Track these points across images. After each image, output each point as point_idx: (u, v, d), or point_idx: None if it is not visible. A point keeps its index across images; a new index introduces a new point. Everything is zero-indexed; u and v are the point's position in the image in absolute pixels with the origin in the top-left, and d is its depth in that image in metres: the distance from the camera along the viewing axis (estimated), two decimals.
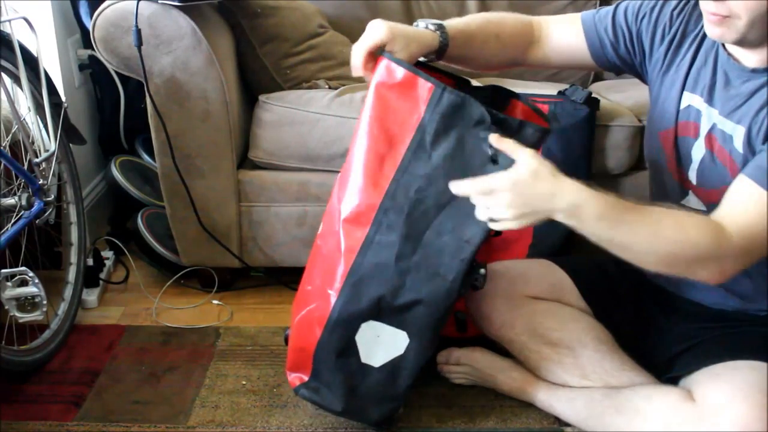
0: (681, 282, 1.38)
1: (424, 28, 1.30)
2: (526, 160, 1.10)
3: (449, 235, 1.24)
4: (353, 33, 2.09)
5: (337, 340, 1.30)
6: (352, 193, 1.27)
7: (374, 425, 1.40)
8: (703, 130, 1.28)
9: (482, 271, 1.30)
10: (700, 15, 1.25)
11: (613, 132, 1.74)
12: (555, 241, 1.67)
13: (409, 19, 2.17)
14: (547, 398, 1.41)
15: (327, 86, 1.87)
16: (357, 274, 1.27)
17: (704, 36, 1.28)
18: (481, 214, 1.15)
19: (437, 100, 1.19)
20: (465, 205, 1.17)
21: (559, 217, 1.12)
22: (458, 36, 1.32)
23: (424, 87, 1.20)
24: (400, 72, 1.21)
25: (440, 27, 1.31)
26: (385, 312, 1.28)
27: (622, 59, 1.39)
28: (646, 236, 1.13)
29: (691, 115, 1.30)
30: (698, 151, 1.29)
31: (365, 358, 1.32)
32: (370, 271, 1.26)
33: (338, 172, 1.75)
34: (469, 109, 1.18)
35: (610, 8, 1.39)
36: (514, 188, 1.10)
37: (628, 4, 1.38)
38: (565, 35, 1.42)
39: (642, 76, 1.41)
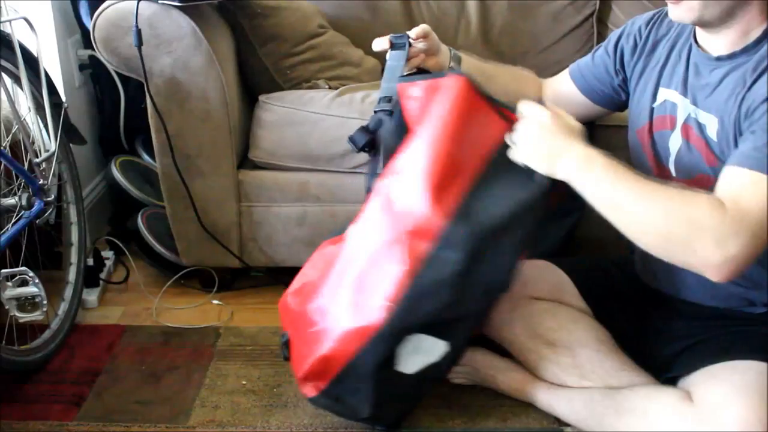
0: (677, 284, 1.38)
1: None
2: (544, 112, 1.24)
3: (510, 253, 1.27)
4: (353, 33, 2.10)
5: (382, 351, 1.28)
6: (415, 205, 1.24)
7: (389, 427, 1.38)
8: (679, 121, 1.30)
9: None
10: (671, 20, 1.31)
11: (612, 132, 1.74)
12: (555, 242, 1.67)
13: (410, 20, 2.17)
14: (547, 398, 1.41)
15: (327, 86, 1.87)
16: (417, 289, 1.24)
17: (677, 36, 1.34)
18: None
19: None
20: (524, 222, 1.25)
21: (570, 165, 1.19)
22: (471, 61, 1.47)
23: (501, 124, 1.30)
24: (482, 103, 1.31)
25: (454, 54, 1.45)
26: (435, 325, 1.28)
27: (611, 87, 1.48)
28: (647, 196, 1.13)
29: (667, 108, 1.33)
30: (675, 141, 1.31)
31: (401, 366, 1.31)
32: (429, 287, 1.23)
33: (339, 172, 1.77)
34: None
35: (591, 52, 1.53)
36: (541, 130, 1.22)
37: (606, 40, 1.49)
38: (557, 83, 1.57)
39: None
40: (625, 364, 1.37)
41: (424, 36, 1.42)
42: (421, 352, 1.30)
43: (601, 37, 2.23)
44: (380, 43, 1.42)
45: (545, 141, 1.22)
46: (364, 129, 1.36)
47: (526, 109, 1.27)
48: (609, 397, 1.33)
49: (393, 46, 1.40)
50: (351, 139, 1.36)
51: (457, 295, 1.24)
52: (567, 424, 1.40)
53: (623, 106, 1.51)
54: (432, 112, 1.29)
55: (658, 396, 1.27)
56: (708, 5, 1.17)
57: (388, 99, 1.35)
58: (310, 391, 1.35)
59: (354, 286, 1.28)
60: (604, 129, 1.74)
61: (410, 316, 1.25)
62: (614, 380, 1.35)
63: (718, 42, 1.23)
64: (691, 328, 1.36)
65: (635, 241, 1.16)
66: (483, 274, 1.25)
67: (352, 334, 1.26)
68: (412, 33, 1.42)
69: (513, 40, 2.21)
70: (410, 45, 1.41)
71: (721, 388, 1.20)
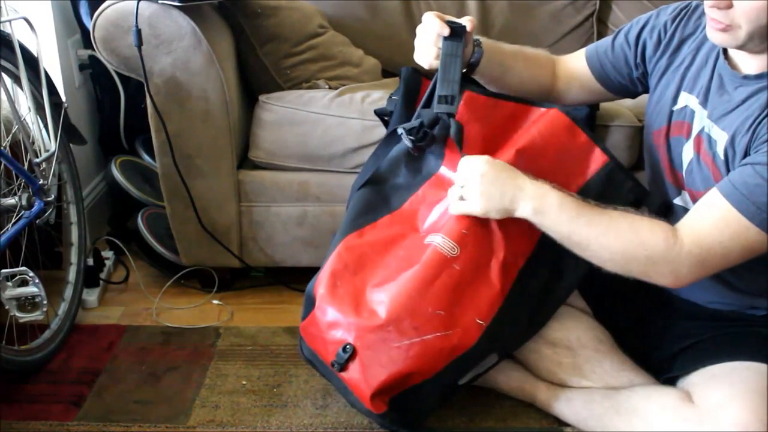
0: None
1: None
2: (484, 161, 1.25)
3: (570, 275, 1.38)
4: (353, 33, 2.10)
5: (463, 367, 1.30)
6: (513, 233, 1.31)
7: (401, 426, 1.37)
8: (694, 132, 1.29)
9: None
10: (699, 18, 1.30)
11: (612, 132, 1.74)
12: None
13: (410, 20, 2.17)
14: (547, 398, 1.41)
15: (327, 86, 1.87)
16: (508, 308, 1.29)
17: (705, 37, 1.28)
18: (454, 207, 1.29)
19: (605, 173, 1.34)
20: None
21: (526, 208, 1.22)
22: (492, 48, 1.40)
23: (599, 159, 1.35)
24: (582, 136, 1.36)
25: (476, 40, 1.38)
26: (508, 341, 1.35)
27: (628, 78, 1.43)
28: (602, 231, 1.20)
29: (686, 115, 1.31)
30: (688, 151, 1.30)
31: (463, 379, 1.35)
32: (518, 306, 1.31)
33: (338, 172, 1.77)
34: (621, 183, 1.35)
35: (611, 35, 1.46)
36: (482, 180, 1.24)
37: (627, 26, 1.43)
38: (571, 64, 1.51)
39: (648, 89, 1.43)
40: (625, 364, 1.37)
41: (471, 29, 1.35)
42: (478, 366, 1.34)
43: (601, 37, 2.23)
44: (440, 27, 1.29)
45: (495, 189, 1.24)
46: (420, 125, 1.31)
47: (463, 164, 1.27)
48: (609, 398, 1.33)
49: (452, 33, 1.29)
50: (411, 133, 1.31)
51: (531, 314, 1.35)
52: (567, 424, 1.40)
53: (636, 95, 1.49)
54: (529, 139, 1.34)
55: (658, 396, 1.27)
56: (754, 36, 1.14)
57: (450, 99, 1.29)
58: (379, 406, 1.28)
59: (441, 300, 1.26)
60: (604, 129, 1.74)
61: (498, 333, 1.29)
62: (614, 380, 1.35)
63: (750, 62, 1.20)
64: (692, 329, 1.36)
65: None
66: (551, 294, 1.37)
67: (441, 349, 1.26)
68: (468, 23, 1.32)
69: (513, 40, 2.19)
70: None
71: (721, 388, 1.20)
